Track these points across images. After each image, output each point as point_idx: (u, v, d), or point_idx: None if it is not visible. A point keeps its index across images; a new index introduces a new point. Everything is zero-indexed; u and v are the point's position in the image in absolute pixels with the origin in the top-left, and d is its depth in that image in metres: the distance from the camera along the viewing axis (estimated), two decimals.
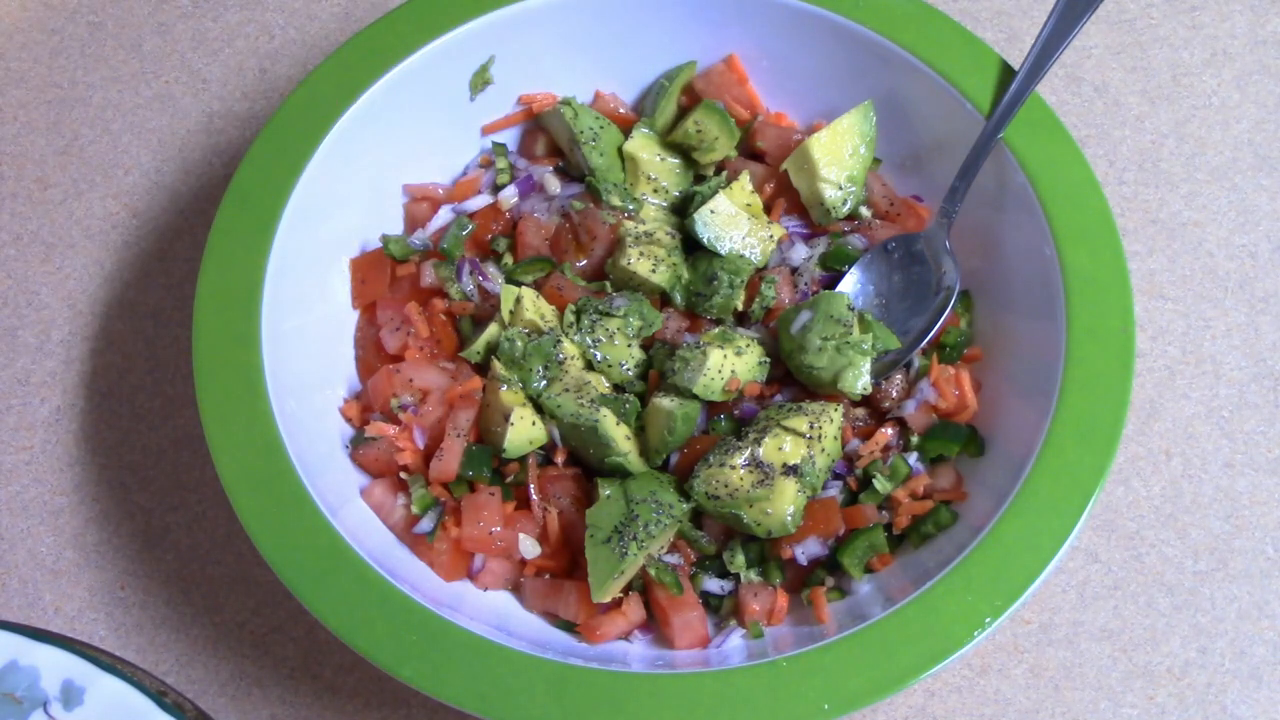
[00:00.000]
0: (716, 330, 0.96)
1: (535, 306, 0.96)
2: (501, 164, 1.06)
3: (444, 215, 1.03)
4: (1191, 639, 0.96)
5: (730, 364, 0.92)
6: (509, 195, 1.03)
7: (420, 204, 1.05)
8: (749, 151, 1.06)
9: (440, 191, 1.06)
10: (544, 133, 1.08)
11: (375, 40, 1.00)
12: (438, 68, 1.02)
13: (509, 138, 1.09)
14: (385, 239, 1.01)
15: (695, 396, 0.92)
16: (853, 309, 0.93)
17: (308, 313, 0.97)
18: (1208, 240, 1.11)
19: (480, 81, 1.05)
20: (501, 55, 1.04)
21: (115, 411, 1.06)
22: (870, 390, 0.93)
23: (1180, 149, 1.16)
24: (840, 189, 0.99)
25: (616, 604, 0.90)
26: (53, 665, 0.87)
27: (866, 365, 0.92)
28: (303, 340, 0.95)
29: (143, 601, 0.99)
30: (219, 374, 0.90)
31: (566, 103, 1.04)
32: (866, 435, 0.94)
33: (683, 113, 1.07)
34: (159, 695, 0.86)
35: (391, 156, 1.03)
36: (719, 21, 1.05)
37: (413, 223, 1.05)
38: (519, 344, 0.93)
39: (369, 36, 1.01)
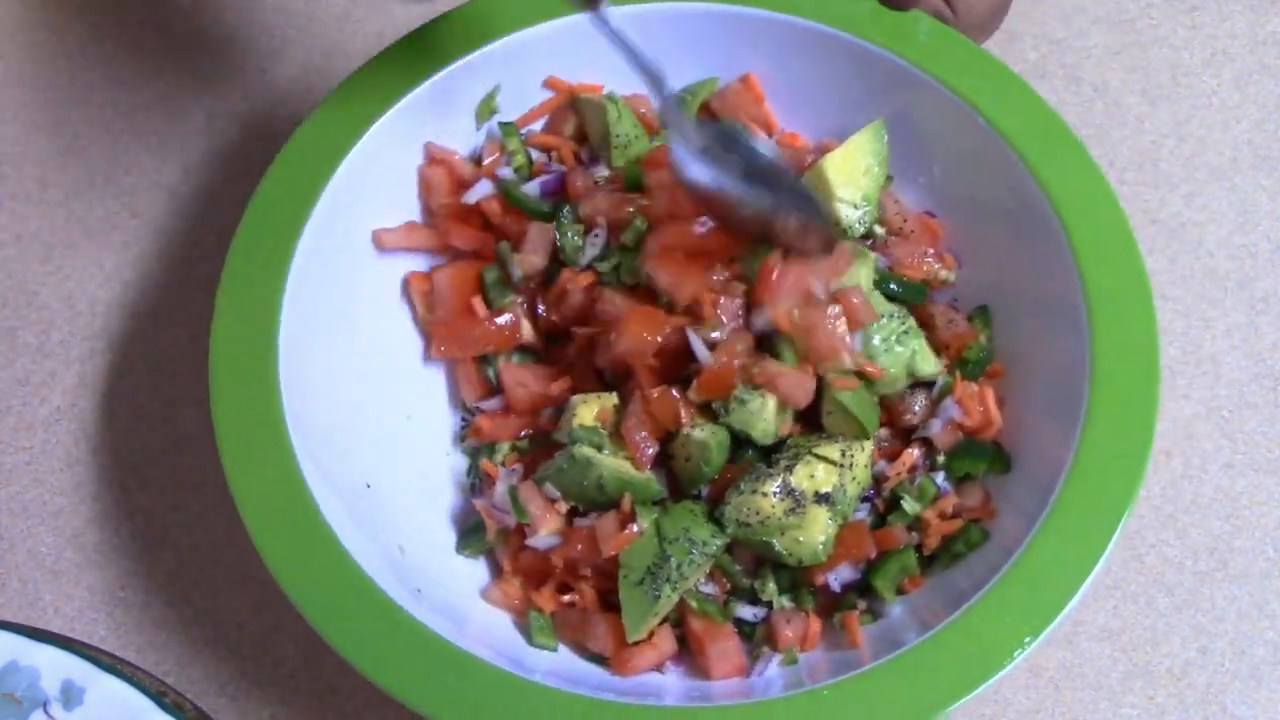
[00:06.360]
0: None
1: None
2: (514, 145, 1.03)
3: (484, 187, 1.01)
4: (1191, 639, 0.96)
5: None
6: (531, 191, 1.01)
7: (436, 168, 1.03)
8: None
9: (457, 158, 1.04)
10: (576, 114, 1.06)
11: (378, 74, 1.00)
12: (444, 97, 1.01)
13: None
14: (484, 278, 0.99)
15: (733, 430, 0.90)
16: (891, 299, 0.93)
17: (328, 350, 0.95)
18: (1208, 240, 1.11)
19: (486, 110, 1.04)
20: (507, 84, 1.04)
21: (115, 411, 1.06)
22: (942, 364, 0.93)
23: (1180, 149, 1.16)
24: (856, 208, 0.99)
25: (647, 635, 0.88)
26: (53, 665, 0.87)
27: (923, 342, 0.92)
28: (325, 379, 0.93)
29: (143, 601, 0.99)
30: (239, 420, 0.87)
31: (613, 100, 1.02)
32: (893, 456, 0.93)
33: None
34: (159, 695, 0.86)
35: (401, 185, 1.03)
36: (735, 41, 1.04)
37: (427, 188, 1.03)
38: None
39: (372, 70, 1.00)
